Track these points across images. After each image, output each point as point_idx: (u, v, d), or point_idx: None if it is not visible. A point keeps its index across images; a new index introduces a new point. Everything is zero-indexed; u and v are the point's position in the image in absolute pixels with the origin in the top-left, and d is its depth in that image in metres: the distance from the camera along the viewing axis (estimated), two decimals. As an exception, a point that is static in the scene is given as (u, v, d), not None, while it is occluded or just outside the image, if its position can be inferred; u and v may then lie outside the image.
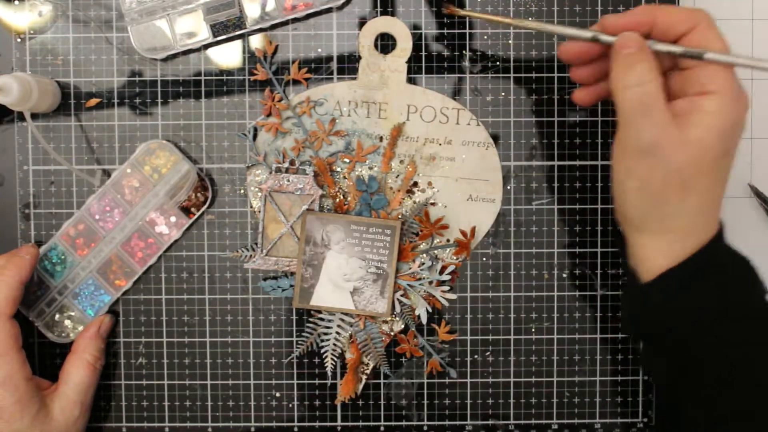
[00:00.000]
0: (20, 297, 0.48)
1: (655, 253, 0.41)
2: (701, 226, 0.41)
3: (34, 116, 0.52)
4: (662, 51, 0.40)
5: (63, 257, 0.52)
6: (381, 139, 0.53)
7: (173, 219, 0.52)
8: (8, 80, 0.46)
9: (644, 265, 0.42)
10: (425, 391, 0.54)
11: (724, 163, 0.40)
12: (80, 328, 0.52)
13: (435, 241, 0.53)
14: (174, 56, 0.53)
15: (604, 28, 0.42)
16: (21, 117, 0.53)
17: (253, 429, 0.54)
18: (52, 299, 0.52)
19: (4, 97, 0.47)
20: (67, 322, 0.52)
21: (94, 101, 0.53)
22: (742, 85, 0.40)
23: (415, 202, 0.52)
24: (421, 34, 0.53)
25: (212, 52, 0.53)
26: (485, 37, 0.53)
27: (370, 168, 0.53)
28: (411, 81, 0.53)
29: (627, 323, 0.46)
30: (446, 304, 0.53)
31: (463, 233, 0.52)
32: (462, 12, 0.48)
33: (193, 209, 0.52)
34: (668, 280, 0.41)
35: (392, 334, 0.53)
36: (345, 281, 0.51)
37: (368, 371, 0.53)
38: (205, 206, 0.52)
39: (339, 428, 0.54)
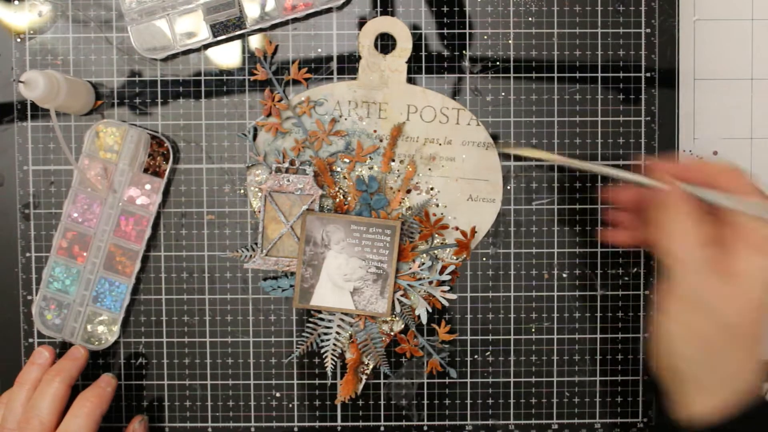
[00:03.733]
0: (96, 429, 0.48)
1: (703, 405, 0.41)
2: (745, 383, 0.41)
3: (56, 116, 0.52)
4: (709, 200, 0.41)
5: (68, 270, 0.52)
6: (381, 139, 0.53)
7: (148, 186, 0.52)
8: (34, 75, 0.46)
9: (692, 414, 0.42)
10: (425, 391, 0.54)
11: (765, 316, 0.40)
12: (115, 328, 0.52)
13: (435, 241, 0.53)
14: (174, 56, 0.53)
15: (650, 172, 0.43)
16: (21, 117, 0.53)
17: (253, 429, 0.54)
18: (76, 314, 0.52)
19: (29, 92, 0.46)
20: (101, 328, 0.52)
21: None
22: None
23: (410, 208, 0.53)
24: (421, 34, 0.53)
25: (212, 52, 0.53)
26: (485, 37, 0.53)
27: (370, 168, 0.53)
28: (411, 81, 0.53)
29: None
30: (446, 304, 0.53)
31: (463, 233, 0.52)
32: (514, 151, 0.50)
33: (162, 165, 0.52)
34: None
35: (392, 334, 0.53)
36: (345, 281, 0.51)
37: (368, 371, 0.53)
38: (170, 161, 0.52)
39: (339, 428, 0.54)
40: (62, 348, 0.53)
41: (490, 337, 0.54)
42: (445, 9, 0.53)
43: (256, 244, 0.52)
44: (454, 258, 0.53)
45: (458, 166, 0.53)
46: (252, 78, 0.53)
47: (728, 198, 0.40)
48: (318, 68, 0.53)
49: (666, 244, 0.40)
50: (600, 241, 0.49)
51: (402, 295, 0.52)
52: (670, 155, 0.45)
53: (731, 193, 0.41)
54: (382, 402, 0.54)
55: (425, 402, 0.54)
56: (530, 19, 0.53)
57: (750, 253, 0.39)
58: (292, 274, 0.53)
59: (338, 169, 0.53)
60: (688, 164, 0.43)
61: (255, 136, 0.53)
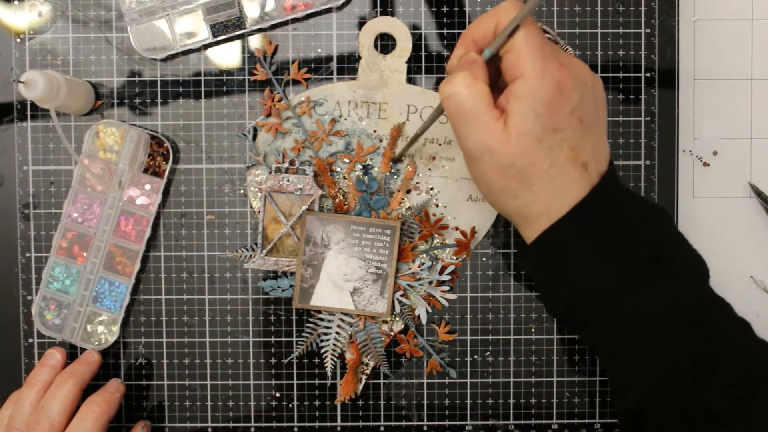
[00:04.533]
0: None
1: (529, 236, 0.42)
2: (561, 206, 0.40)
3: (48, 115, 0.52)
4: (491, 53, 0.40)
5: (68, 270, 0.52)
6: (381, 139, 0.53)
7: (147, 186, 0.52)
8: (34, 75, 0.46)
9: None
10: (425, 391, 0.54)
11: (553, 141, 0.38)
12: (114, 328, 0.52)
13: (435, 241, 0.53)
14: (174, 56, 0.53)
15: (450, 67, 0.42)
16: (21, 117, 0.53)
17: (253, 429, 0.54)
18: (76, 314, 0.52)
19: (29, 92, 0.46)
20: (101, 328, 0.52)
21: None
22: (557, 60, 0.38)
23: (410, 208, 0.52)
24: (421, 34, 0.53)
25: (212, 52, 0.53)
26: (485, 37, 0.53)
27: (371, 168, 0.53)
28: (411, 81, 0.53)
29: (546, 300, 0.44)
30: (446, 304, 0.53)
31: (463, 233, 0.52)
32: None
33: (162, 165, 0.52)
34: (547, 236, 0.40)
35: (392, 334, 0.53)
36: (345, 281, 0.51)
37: (368, 371, 0.53)
38: (170, 161, 0.52)
39: (339, 428, 0.54)
40: (62, 347, 0.53)
41: (490, 337, 0.54)
42: (445, 9, 0.53)
43: (256, 244, 0.52)
44: (454, 258, 0.53)
45: (458, 166, 0.53)
46: (252, 78, 0.53)
47: (500, 34, 0.39)
48: (318, 68, 0.53)
49: (444, 105, 0.40)
50: None
51: (402, 295, 0.52)
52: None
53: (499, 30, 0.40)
54: (382, 402, 0.54)
55: (425, 402, 0.54)
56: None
57: (518, 82, 0.38)
58: (292, 274, 0.53)
59: (338, 169, 0.53)
60: (464, 41, 0.41)
61: (255, 136, 0.53)
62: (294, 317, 0.54)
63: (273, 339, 0.54)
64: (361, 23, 0.52)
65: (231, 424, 0.54)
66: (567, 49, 0.52)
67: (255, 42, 0.53)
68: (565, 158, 0.39)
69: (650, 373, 0.39)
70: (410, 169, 0.52)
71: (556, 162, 0.39)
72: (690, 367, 0.38)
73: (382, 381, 0.54)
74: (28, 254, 0.53)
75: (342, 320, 0.53)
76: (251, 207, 0.53)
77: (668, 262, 0.39)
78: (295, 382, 0.54)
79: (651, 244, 0.39)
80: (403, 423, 0.54)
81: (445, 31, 0.53)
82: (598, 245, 0.39)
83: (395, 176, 0.53)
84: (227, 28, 0.51)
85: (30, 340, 0.53)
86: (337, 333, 0.53)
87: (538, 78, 0.38)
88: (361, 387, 0.53)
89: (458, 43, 0.42)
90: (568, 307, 0.41)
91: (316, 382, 0.54)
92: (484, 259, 0.54)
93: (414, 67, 0.53)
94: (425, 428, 0.54)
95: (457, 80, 0.39)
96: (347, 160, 0.52)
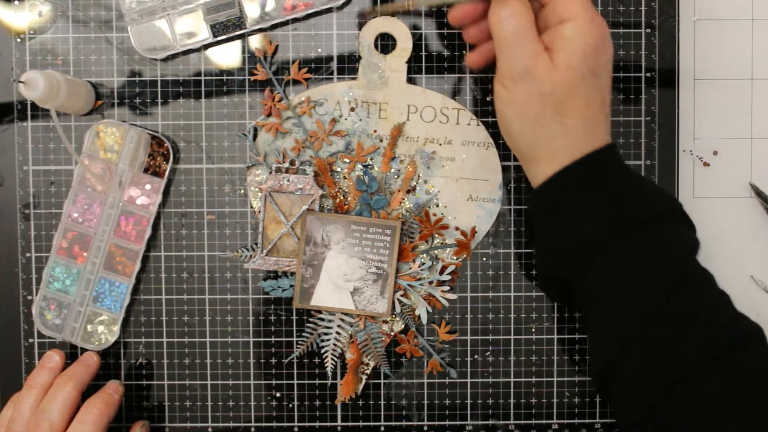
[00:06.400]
0: None
1: (544, 174, 0.44)
2: (585, 146, 0.43)
3: (47, 116, 0.52)
4: None
5: (68, 270, 0.52)
6: (381, 139, 0.53)
7: (148, 186, 0.52)
8: (34, 75, 0.46)
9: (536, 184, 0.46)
10: (425, 391, 0.54)
11: (592, 83, 0.42)
12: (115, 328, 0.52)
13: (435, 241, 0.53)
14: (174, 56, 0.53)
15: None
16: (21, 117, 0.53)
17: (253, 429, 0.54)
18: (76, 314, 0.52)
19: (29, 92, 0.46)
20: (101, 328, 0.52)
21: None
22: (596, 11, 0.43)
23: (407, 211, 0.53)
24: (421, 34, 0.53)
25: (212, 52, 0.53)
26: (485, 37, 0.53)
27: (371, 168, 0.53)
28: (411, 81, 0.53)
29: (540, 257, 0.47)
30: (446, 304, 0.53)
31: (463, 233, 0.52)
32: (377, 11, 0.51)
33: (162, 165, 0.52)
34: (560, 177, 0.43)
35: (392, 334, 0.53)
36: (345, 281, 0.51)
37: (368, 371, 0.53)
38: (170, 161, 0.52)
39: (339, 428, 0.54)
40: (62, 347, 0.53)
41: (490, 337, 0.54)
42: (445, 9, 0.53)
43: (256, 244, 0.52)
44: (455, 258, 0.53)
45: (458, 166, 0.53)
46: (252, 78, 0.53)
47: None
48: (318, 68, 0.53)
49: (497, 25, 0.43)
50: (470, 67, 0.50)
51: (402, 295, 0.52)
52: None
53: None
54: (382, 402, 0.54)
55: (425, 402, 0.54)
56: None
57: (568, 24, 0.42)
58: (292, 274, 0.53)
59: (338, 169, 0.53)
60: None
61: (255, 136, 0.53)
62: (294, 317, 0.54)
63: (273, 339, 0.54)
64: (362, 23, 0.52)
65: (231, 424, 0.54)
66: None
67: (255, 42, 0.53)
68: (597, 103, 0.43)
69: (634, 317, 0.41)
70: (410, 169, 0.52)
71: (591, 104, 0.43)
72: (671, 317, 0.40)
73: (382, 381, 0.54)
74: (28, 254, 0.53)
75: (342, 320, 0.53)
76: (251, 207, 0.53)
77: (666, 223, 0.43)
78: (295, 382, 0.54)
79: (651, 204, 0.43)
80: (404, 423, 0.54)
81: (445, 31, 0.53)
82: (609, 192, 0.43)
83: (396, 176, 0.53)
84: (227, 28, 0.51)
85: (30, 340, 0.53)
86: (338, 333, 0.53)
87: (588, 23, 0.42)
88: (361, 387, 0.53)
89: None
90: (563, 251, 0.43)
91: (316, 382, 0.54)
92: (484, 259, 0.54)
93: (414, 67, 0.53)
94: (425, 428, 0.54)
95: (514, 4, 0.42)
96: (347, 160, 0.52)
